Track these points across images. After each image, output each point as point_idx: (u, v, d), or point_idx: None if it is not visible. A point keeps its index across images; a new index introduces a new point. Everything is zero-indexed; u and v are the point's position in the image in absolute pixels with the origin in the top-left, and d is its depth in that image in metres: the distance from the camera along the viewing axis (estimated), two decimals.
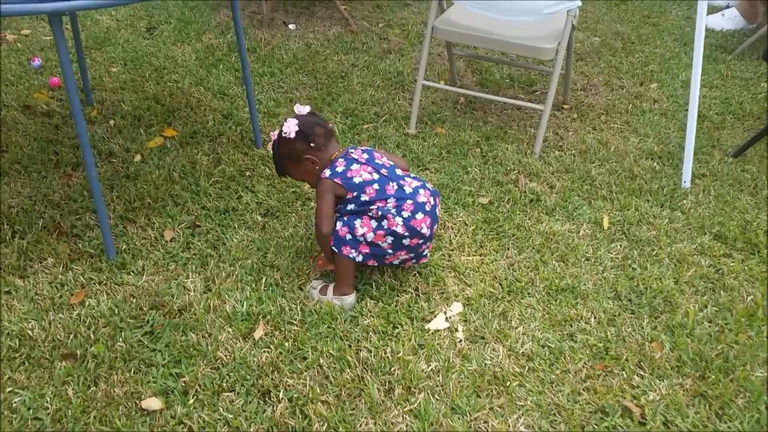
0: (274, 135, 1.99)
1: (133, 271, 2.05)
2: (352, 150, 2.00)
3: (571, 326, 1.96)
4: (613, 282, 2.13)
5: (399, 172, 1.98)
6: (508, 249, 2.24)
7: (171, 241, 2.18)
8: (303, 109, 2.00)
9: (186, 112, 2.87)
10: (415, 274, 2.11)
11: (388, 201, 1.89)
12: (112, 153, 2.57)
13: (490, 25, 2.66)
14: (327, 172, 1.93)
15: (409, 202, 1.90)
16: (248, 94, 2.57)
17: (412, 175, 2.02)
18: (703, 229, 2.39)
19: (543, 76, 3.33)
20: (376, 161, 1.98)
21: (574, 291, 2.08)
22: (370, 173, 1.92)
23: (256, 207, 2.35)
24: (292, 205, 2.37)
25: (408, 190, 1.92)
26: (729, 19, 4.03)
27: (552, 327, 1.95)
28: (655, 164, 2.73)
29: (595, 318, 2.00)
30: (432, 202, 1.95)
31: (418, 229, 1.89)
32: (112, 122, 2.76)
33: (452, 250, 2.22)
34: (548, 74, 3.18)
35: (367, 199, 1.89)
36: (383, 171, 1.94)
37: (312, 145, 1.94)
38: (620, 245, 2.29)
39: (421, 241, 1.93)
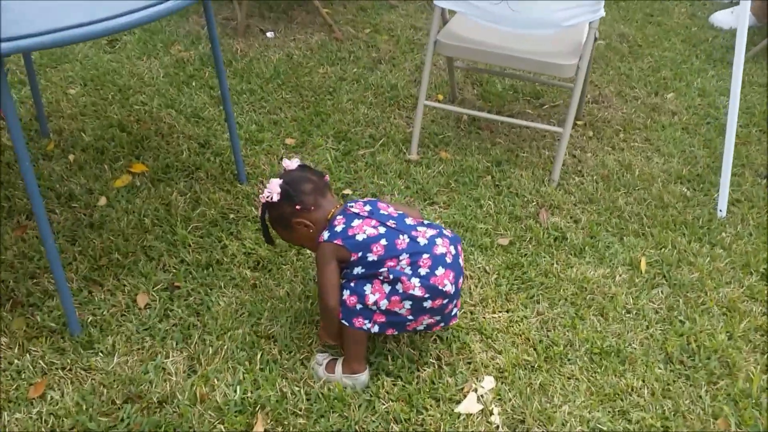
0: (262, 197, 1.67)
1: (102, 351, 1.72)
2: (352, 204, 1.69)
3: (623, 401, 1.68)
4: (661, 340, 1.85)
5: (409, 221, 1.68)
6: (539, 302, 1.95)
7: (146, 308, 1.85)
8: (291, 163, 1.69)
9: (156, 142, 2.52)
10: (435, 340, 1.81)
11: (401, 258, 1.58)
12: (72, 196, 2.22)
13: (501, 38, 2.35)
14: (325, 234, 1.62)
15: (426, 256, 1.59)
16: (228, 117, 2.22)
17: (426, 222, 1.72)
18: (748, 268, 2.13)
19: (549, 87, 3.04)
20: (381, 212, 1.68)
21: (619, 354, 1.80)
22: (375, 227, 1.62)
23: (244, 259, 2.03)
24: (286, 254, 2.05)
25: (422, 241, 1.62)
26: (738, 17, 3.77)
27: (601, 403, 1.67)
28: (685, 190, 2.46)
29: (647, 388, 1.72)
30: (453, 252, 1.65)
31: (440, 287, 1.59)
32: (71, 157, 2.41)
33: (474, 305, 1.92)
34: (555, 85, 2.90)
35: (375, 258, 1.58)
36: (390, 223, 1.64)
37: (298, 207, 1.63)
38: (662, 292, 2.02)
39: (446, 301, 1.63)
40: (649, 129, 2.82)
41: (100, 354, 1.71)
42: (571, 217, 2.28)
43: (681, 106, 3.01)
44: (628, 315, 1.93)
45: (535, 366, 1.76)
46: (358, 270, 1.60)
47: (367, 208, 1.68)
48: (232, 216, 2.19)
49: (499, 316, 1.89)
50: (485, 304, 1.93)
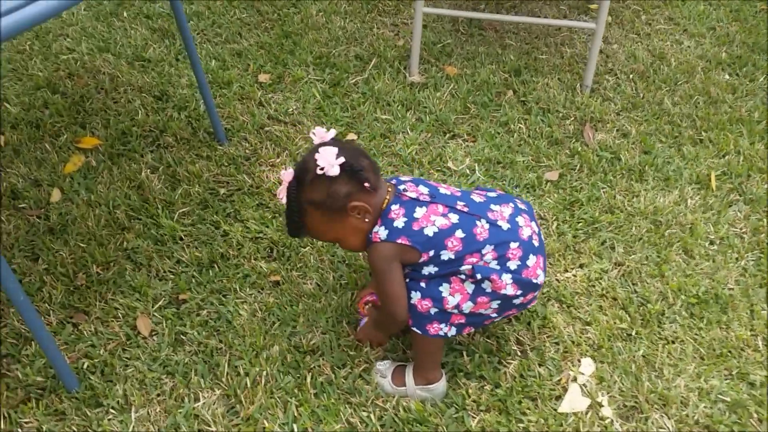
0: (287, 175, 1.27)
1: (113, 407, 1.36)
2: (402, 186, 1.32)
3: (737, 359, 1.45)
4: (757, 274, 1.61)
5: (477, 197, 1.33)
6: (613, 248, 1.66)
7: (152, 335, 1.48)
8: (326, 134, 1.28)
9: (100, 101, 2.03)
10: (509, 320, 1.52)
11: (484, 252, 1.25)
12: (16, 193, 1.76)
13: None
14: (382, 232, 1.25)
15: (514, 245, 1.27)
16: (191, 55, 1.72)
17: (488, 190, 1.37)
18: None
19: None
20: (442, 192, 1.32)
21: (718, 300, 1.56)
22: (444, 216, 1.26)
23: (253, 248, 1.65)
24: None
25: (504, 225, 1.28)
26: None
27: (714, 366, 1.43)
28: (728, 77, 2.16)
29: (761, 338, 1.49)
30: (535, 229, 1.33)
31: (533, 280, 1.28)
32: (0, 139, 1.91)
33: None
34: None
35: (452, 256, 1.25)
36: (460, 205, 1.28)
37: (366, 185, 1.24)
38: (739, 211, 1.76)
39: (537, 293, 1.32)
40: (668, 5, 2.46)
41: (112, 411, 1.35)
42: (618, 131, 1.96)
43: None
44: (713, 247, 1.67)
45: (633, 334, 1.49)
46: (429, 270, 1.26)
47: (424, 189, 1.31)
48: (222, 191, 1.78)
49: (575, 275, 1.60)
50: (553, 262, 1.63)
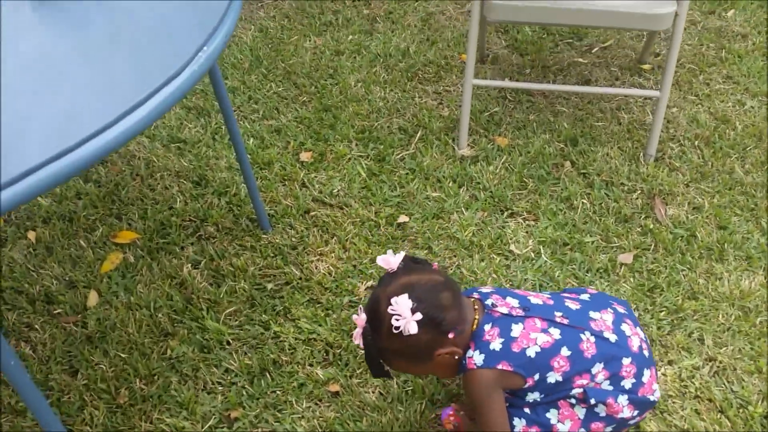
0: (359, 320, 1.13)
1: None
2: (488, 298, 1.19)
3: None
4: None
5: (572, 304, 1.19)
6: (702, 341, 1.51)
7: None
8: (393, 259, 1.15)
9: (137, 190, 1.93)
10: None
11: (594, 372, 1.11)
12: (50, 297, 1.65)
13: None
14: (477, 357, 1.12)
15: (626, 362, 1.13)
16: (233, 137, 1.61)
17: (578, 292, 1.24)
18: None
19: None
20: (534, 302, 1.19)
21: None
22: (544, 331, 1.13)
23: (307, 351, 1.52)
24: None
25: (611, 337, 1.15)
26: None
27: None
28: None
29: None
30: (642, 336, 1.19)
31: (650, 397, 1.14)
32: (31, 235, 1.81)
33: None
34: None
35: (559, 378, 1.11)
36: (558, 316, 1.15)
37: (451, 335, 1.11)
38: None
39: (650, 410, 1.18)
40: (725, 62, 2.34)
41: None
42: (689, 204, 1.82)
43: (747, 25, 2.53)
44: None
45: None
46: (534, 396, 1.12)
47: (513, 301, 1.17)
48: (270, 286, 1.66)
49: (664, 374, 1.45)
50: None
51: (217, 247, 1.75)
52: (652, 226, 1.75)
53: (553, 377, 1.10)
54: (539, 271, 1.66)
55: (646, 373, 1.13)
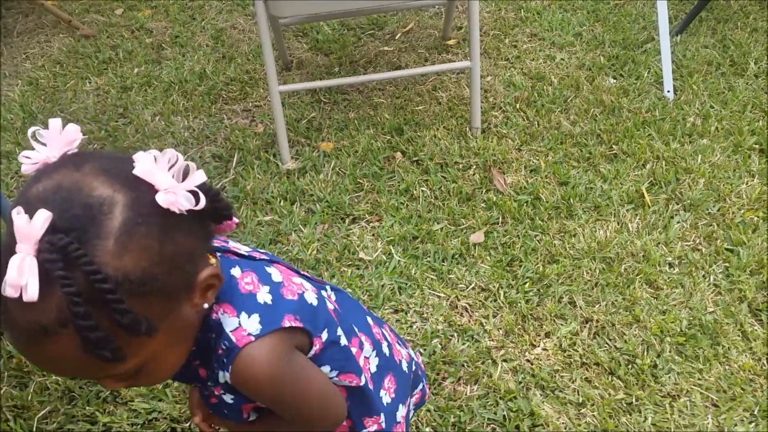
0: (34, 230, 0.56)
1: None
2: (219, 244, 0.79)
3: (750, 394, 1.24)
4: (732, 287, 1.43)
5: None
6: (574, 304, 1.43)
7: None
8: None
9: None
10: (491, 426, 1.23)
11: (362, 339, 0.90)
12: None
13: None
14: (249, 323, 0.71)
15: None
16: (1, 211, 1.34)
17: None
18: (739, 141, 1.77)
19: (392, 13, 2.41)
20: (245, 251, 0.82)
21: (705, 330, 1.36)
22: (297, 283, 0.80)
23: None
24: None
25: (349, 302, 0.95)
26: None
27: (731, 410, 1.22)
28: (614, 81, 2.03)
29: (767, 360, 1.30)
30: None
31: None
32: None
33: (501, 346, 1.36)
34: (391, 7, 2.28)
35: (345, 341, 0.84)
36: (281, 267, 0.81)
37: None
38: (684, 221, 1.59)
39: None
40: (526, 22, 2.33)
41: None
42: (525, 167, 1.76)
43: None
44: (675, 270, 1.49)
45: (636, 402, 1.25)
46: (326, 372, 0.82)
47: (244, 247, 0.83)
48: None
49: (545, 347, 1.35)
50: (515, 339, 1.37)
51: None
52: (495, 199, 1.66)
53: (342, 338, 0.80)
54: (395, 272, 1.52)
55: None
